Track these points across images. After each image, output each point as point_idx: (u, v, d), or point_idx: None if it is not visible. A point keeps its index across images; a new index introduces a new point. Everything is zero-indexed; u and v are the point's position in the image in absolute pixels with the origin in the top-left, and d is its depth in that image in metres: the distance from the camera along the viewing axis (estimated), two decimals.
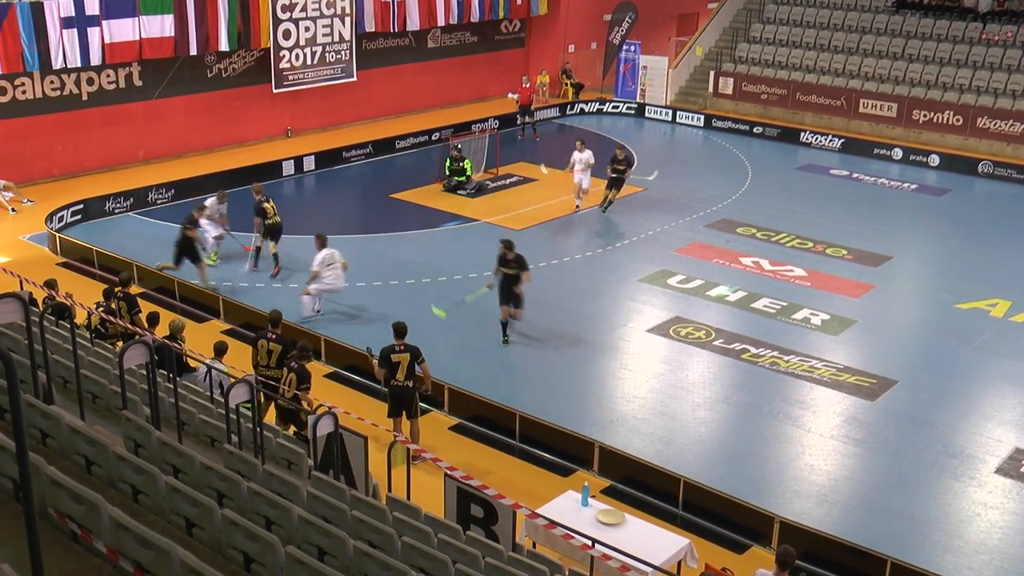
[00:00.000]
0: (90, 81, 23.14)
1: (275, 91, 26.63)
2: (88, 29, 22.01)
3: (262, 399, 11.14)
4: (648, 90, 32.78)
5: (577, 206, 21.67)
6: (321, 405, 11.40)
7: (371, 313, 16.34)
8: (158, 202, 21.81)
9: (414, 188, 23.55)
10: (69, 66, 22.08)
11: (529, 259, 18.84)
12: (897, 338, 16.41)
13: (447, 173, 23.44)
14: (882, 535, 10.87)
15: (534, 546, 9.52)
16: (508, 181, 24.48)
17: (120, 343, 12.22)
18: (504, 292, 15.38)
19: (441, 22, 29.98)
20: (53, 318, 10.03)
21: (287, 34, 26.20)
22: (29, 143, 22.41)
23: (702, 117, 30.92)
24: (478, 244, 19.94)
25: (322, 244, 15.86)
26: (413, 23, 29.08)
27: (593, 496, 10.32)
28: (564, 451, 12.40)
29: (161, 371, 9.50)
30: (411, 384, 11.89)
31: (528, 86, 29.16)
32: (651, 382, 14.44)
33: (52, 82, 22.48)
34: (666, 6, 37.39)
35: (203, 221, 17.66)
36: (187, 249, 16.68)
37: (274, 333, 12.09)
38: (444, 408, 13.38)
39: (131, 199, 21.40)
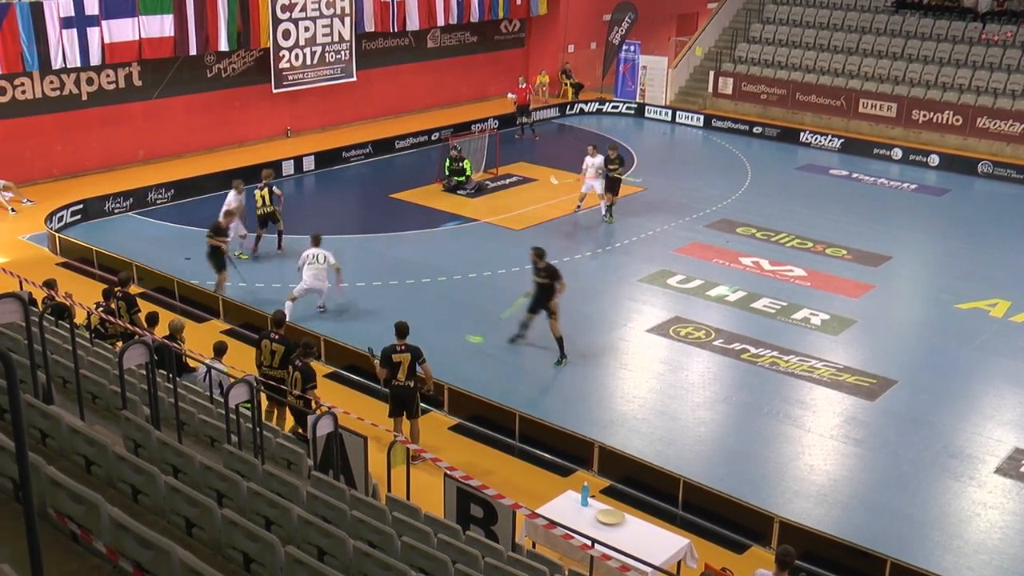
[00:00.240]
0: (90, 81, 23.14)
1: (275, 91, 26.63)
2: (88, 29, 22.01)
3: (264, 400, 11.17)
4: (648, 90, 32.79)
5: (578, 207, 21.62)
6: (321, 405, 11.41)
7: (371, 313, 16.34)
8: (158, 202, 21.81)
9: (414, 188, 23.55)
10: (69, 66, 22.08)
11: (529, 259, 18.88)
12: (897, 338, 16.41)
13: (446, 173, 23.44)
14: (882, 535, 10.87)
15: (534, 546, 9.51)
16: (508, 181, 24.47)
17: (120, 343, 12.22)
18: (536, 302, 14.88)
19: (441, 22, 29.99)
20: (53, 318, 10.02)
21: (287, 34, 26.20)
22: (29, 143, 22.41)
23: (702, 117, 30.92)
24: (478, 244, 19.96)
25: (313, 244, 15.95)
26: (413, 23, 29.08)
27: (593, 496, 10.31)
28: (564, 451, 12.40)
29: (161, 371, 9.50)
30: (412, 384, 11.89)
31: (525, 86, 29.11)
32: (651, 382, 14.44)
33: (52, 82, 22.48)
34: (666, 6, 37.39)
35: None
36: (216, 257, 16.34)
37: (277, 334, 12.10)
38: (444, 408, 13.38)
39: (131, 199, 21.40)
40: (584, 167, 21.25)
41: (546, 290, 14.73)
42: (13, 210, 20.68)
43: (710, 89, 32.38)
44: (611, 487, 11.76)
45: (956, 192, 25.04)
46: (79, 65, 22.24)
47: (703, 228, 21.11)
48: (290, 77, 26.75)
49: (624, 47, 33.24)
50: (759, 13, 33.58)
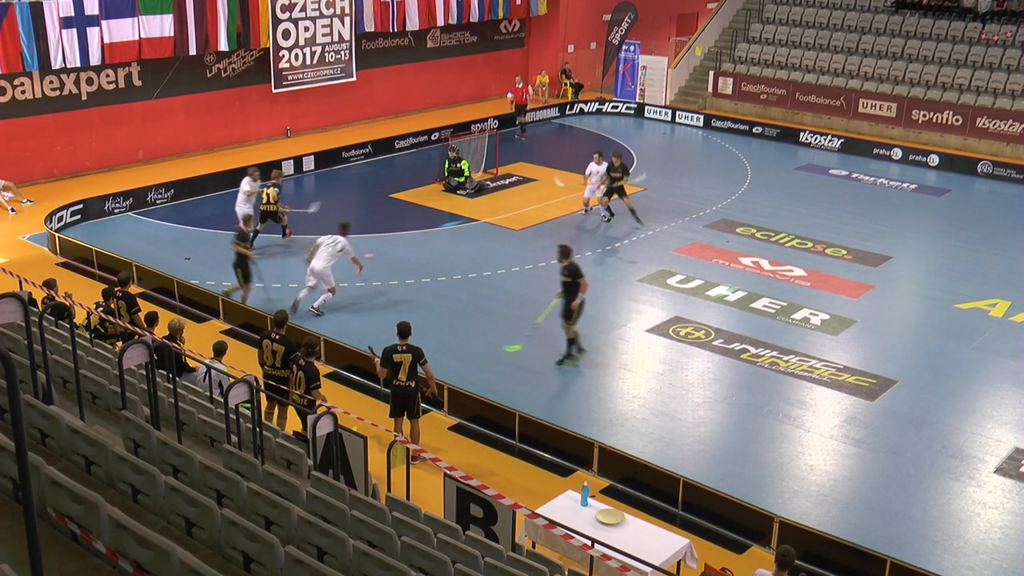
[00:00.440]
0: (89, 81, 23.14)
1: (275, 91, 26.64)
2: (87, 29, 22.02)
3: (264, 400, 11.18)
4: (647, 90, 32.79)
5: (587, 209, 21.42)
6: (321, 405, 11.42)
7: (371, 313, 16.34)
8: (157, 202, 21.81)
9: (414, 188, 23.55)
10: (68, 66, 22.08)
11: (528, 259, 18.96)
12: (897, 338, 16.41)
13: (445, 175, 23.42)
14: (882, 535, 10.87)
15: (534, 546, 9.52)
16: (508, 181, 24.48)
17: (119, 343, 12.22)
18: (565, 304, 14.61)
19: (440, 22, 29.99)
20: (52, 318, 10.02)
21: (286, 34, 26.21)
22: (29, 143, 22.42)
23: (701, 117, 30.93)
24: (478, 244, 19.95)
25: (340, 231, 16.13)
26: (412, 23, 29.09)
27: (593, 496, 10.32)
28: (564, 451, 12.40)
29: (160, 371, 9.50)
30: (413, 384, 11.90)
31: (521, 86, 29.07)
32: (651, 382, 14.44)
33: (51, 82, 22.48)
34: (666, 6, 37.41)
35: (243, 206, 18.09)
36: (243, 266, 15.97)
37: (278, 334, 12.11)
38: (444, 408, 13.38)
39: (130, 199, 21.40)
40: (587, 172, 21.18)
41: (570, 288, 14.52)
42: (13, 210, 20.68)
43: (710, 89, 32.39)
44: (611, 487, 11.76)
45: (956, 192, 25.04)
46: (79, 65, 22.24)
47: (703, 228, 21.11)
48: (290, 77, 26.75)
49: (624, 47, 33.24)
50: (759, 13, 33.58)
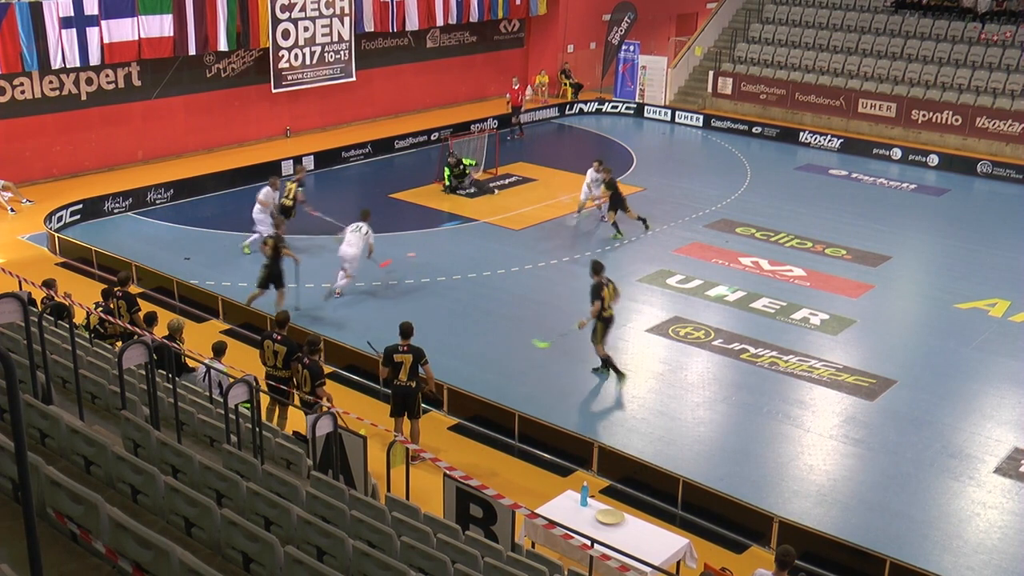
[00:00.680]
0: (89, 81, 23.13)
1: (274, 91, 26.64)
2: (87, 29, 22.01)
3: (267, 400, 11.18)
4: (647, 90, 32.79)
5: (602, 215, 21.14)
6: (321, 404, 11.42)
7: (371, 313, 16.34)
8: (157, 202, 21.80)
9: (413, 188, 23.55)
10: (68, 66, 22.08)
11: (528, 259, 18.97)
12: (896, 338, 16.41)
13: (447, 183, 23.26)
14: (881, 535, 10.88)
15: (533, 546, 9.52)
16: (508, 181, 24.48)
17: (119, 343, 12.22)
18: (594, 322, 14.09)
19: (440, 22, 29.99)
20: (52, 318, 10.02)
21: (286, 34, 26.21)
22: (28, 143, 22.41)
23: (701, 117, 30.93)
24: (478, 244, 19.95)
25: (361, 218, 16.77)
26: (412, 23, 29.09)
27: (592, 496, 10.32)
28: (563, 451, 12.40)
29: (160, 371, 9.50)
30: (414, 384, 11.90)
31: (518, 87, 29.04)
32: (650, 382, 14.43)
33: (51, 82, 22.47)
34: (665, 6, 37.41)
35: (259, 215, 18.11)
36: (274, 268, 15.59)
37: (280, 334, 12.10)
38: (444, 408, 13.38)
39: (130, 199, 21.40)
40: (587, 177, 21.07)
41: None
42: (12, 210, 20.67)
43: (709, 89, 32.39)
44: (610, 487, 11.76)
45: (955, 192, 25.04)
46: (78, 65, 22.24)
47: (702, 228, 21.11)
48: (289, 77, 26.75)
49: (623, 47, 33.24)
50: (758, 13, 33.59)
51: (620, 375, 14.07)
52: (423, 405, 12.41)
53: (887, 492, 11.88)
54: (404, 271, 18.00)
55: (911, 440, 13.02)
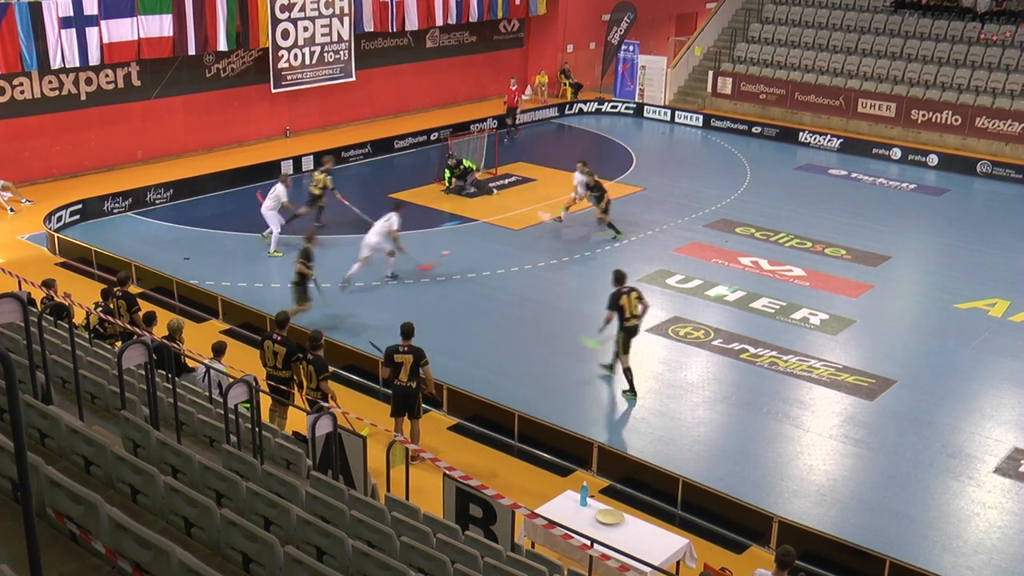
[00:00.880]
0: (88, 81, 23.13)
1: (274, 91, 26.63)
2: (87, 29, 22.01)
3: (268, 400, 11.17)
4: (647, 90, 32.79)
5: (606, 221, 21.06)
6: (321, 404, 11.42)
7: (371, 313, 16.34)
8: (157, 202, 21.80)
9: (413, 188, 23.54)
10: (67, 66, 22.07)
11: (528, 260, 18.97)
12: (896, 338, 16.42)
13: (448, 184, 23.24)
14: (881, 535, 10.88)
15: (533, 546, 9.52)
16: (507, 181, 24.48)
17: (119, 343, 12.21)
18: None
19: (440, 22, 29.99)
20: (52, 318, 10.02)
21: (286, 34, 26.20)
22: (28, 143, 22.41)
23: (701, 117, 30.93)
24: (478, 244, 19.95)
25: (393, 209, 17.60)
26: (412, 23, 29.09)
27: (592, 496, 10.32)
28: (563, 451, 12.40)
29: (160, 371, 9.49)
30: (414, 385, 11.90)
31: (515, 88, 29.02)
32: (650, 382, 14.43)
33: (50, 82, 22.47)
34: (665, 6, 37.41)
35: (270, 212, 18.50)
36: (301, 285, 15.56)
37: (280, 335, 12.10)
38: (443, 408, 13.38)
39: (130, 199, 21.39)
40: (575, 182, 20.97)
41: (619, 317, 13.87)
42: (12, 210, 20.67)
43: (709, 89, 32.39)
44: (610, 487, 11.76)
45: (955, 192, 25.04)
46: (78, 65, 22.23)
47: (702, 228, 21.11)
48: (289, 77, 26.74)
49: (623, 47, 33.23)
50: (758, 13, 33.59)
51: (632, 392, 13.83)
52: (423, 405, 12.40)
53: (887, 492, 11.88)
54: (403, 271, 18.00)
55: (911, 440, 13.02)
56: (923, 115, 28.54)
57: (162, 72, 24.29)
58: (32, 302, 10.09)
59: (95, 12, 22.06)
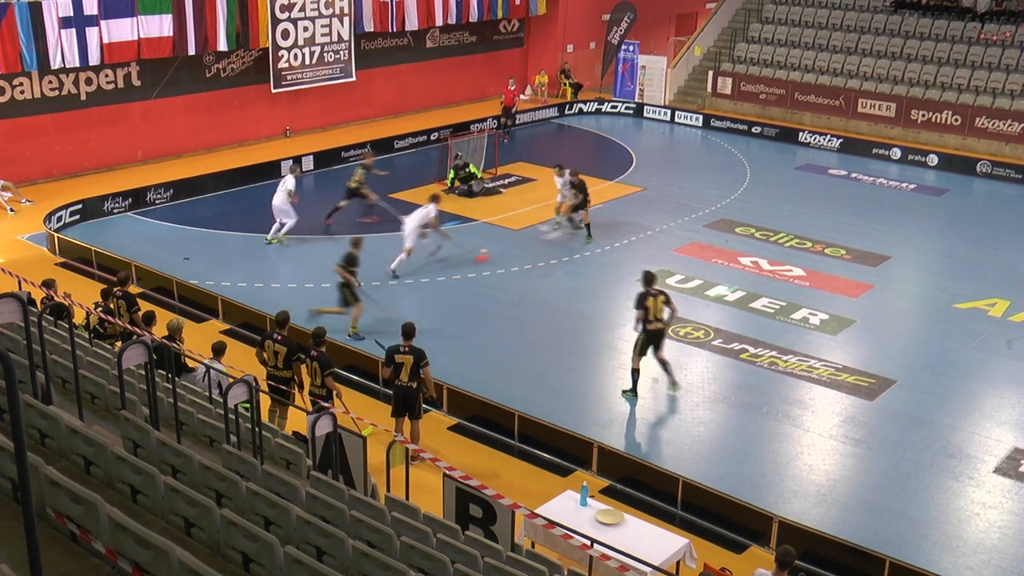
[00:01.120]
0: (88, 81, 23.13)
1: (274, 91, 26.63)
2: (86, 29, 22.00)
3: (268, 400, 11.18)
4: (647, 90, 32.79)
5: (557, 213, 21.01)
6: (321, 404, 11.42)
7: (370, 312, 16.31)
8: (157, 202, 21.80)
9: (413, 188, 23.53)
10: (67, 66, 22.07)
11: (528, 260, 18.97)
12: (896, 338, 16.42)
13: (452, 184, 23.21)
14: (881, 535, 10.88)
15: (533, 546, 9.52)
16: (507, 181, 24.47)
17: (119, 343, 12.21)
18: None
19: (439, 22, 29.99)
20: (52, 318, 10.02)
21: (286, 34, 26.20)
22: (28, 143, 22.40)
23: (701, 117, 30.93)
24: (478, 244, 19.93)
25: (431, 200, 18.26)
26: (412, 23, 29.09)
27: (592, 496, 10.32)
28: (563, 451, 12.40)
29: (160, 371, 9.49)
30: (415, 385, 11.91)
31: (513, 89, 28.99)
32: (650, 382, 14.42)
33: (50, 82, 22.46)
34: (665, 6, 37.41)
35: (284, 205, 18.77)
36: (347, 290, 15.42)
37: (280, 335, 12.10)
38: (443, 408, 13.38)
39: (130, 199, 21.39)
40: (559, 186, 20.89)
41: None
42: (12, 210, 20.67)
43: (709, 89, 32.39)
44: (610, 487, 11.76)
45: (955, 192, 25.04)
46: (78, 65, 22.23)
47: (702, 228, 21.11)
48: (289, 77, 26.74)
49: (623, 47, 33.23)
50: (758, 13, 33.59)
51: (633, 393, 13.81)
52: (423, 405, 12.40)
53: (887, 492, 11.88)
54: (403, 271, 17.99)
55: (911, 440, 13.02)
56: (923, 115, 28.54)
57: (162, 72, 24.29)
58: (32, 302, 10.09)
59: (95, 12, 22.06)
